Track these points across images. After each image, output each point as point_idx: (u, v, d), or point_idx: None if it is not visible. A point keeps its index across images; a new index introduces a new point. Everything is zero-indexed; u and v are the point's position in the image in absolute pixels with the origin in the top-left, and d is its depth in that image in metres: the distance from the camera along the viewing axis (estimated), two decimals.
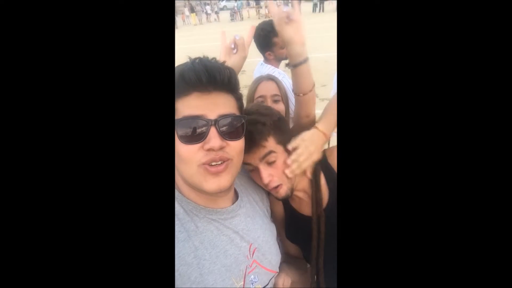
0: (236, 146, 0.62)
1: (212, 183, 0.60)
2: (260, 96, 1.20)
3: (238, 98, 0.67)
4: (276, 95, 1.21)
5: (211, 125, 0.58)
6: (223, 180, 0.61)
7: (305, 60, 0.88)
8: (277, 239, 0.82)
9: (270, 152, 0.75)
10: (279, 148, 0.78)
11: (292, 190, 0.82)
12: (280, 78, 1.56)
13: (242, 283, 0.65)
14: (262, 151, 0.75)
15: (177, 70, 0.60)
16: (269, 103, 1.18)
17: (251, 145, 0.73)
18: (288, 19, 0.83)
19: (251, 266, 0.68)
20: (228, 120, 0.61)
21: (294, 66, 0.89)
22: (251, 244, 0.70)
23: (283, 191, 0.80)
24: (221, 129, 0.59)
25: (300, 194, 0.87)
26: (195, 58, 0.62)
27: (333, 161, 0.86)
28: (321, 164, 0.87)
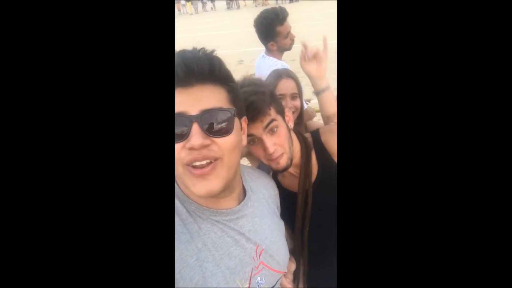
0: (225, 143, 0.56)
1: (199, 187, 0.56)
2: (280, 94, 1.22)
3: (230, 90, 0.60)
4: (295, 93, 1.24)
5: (192, 121, 0.53)
6: (212, 184, 0.56)
7: (325, 89, 1.01)
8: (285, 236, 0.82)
9: (272, 120, 0.77)
10: (279, 117, 0.80)
11: (291, 160, 0.82)
12: None
13: (247, 286, 0.62)
14: (265, 120, 0.76)
15: None
16: (288, 101, 1.22)
17: (254, 115, 0.73)
18: (308, 57, 0.93)
19: (257, 268, 0.65)
20: (213, 114, 0.55)
21: (316, 93, 1.03)
22: (258, 245, 0.67)
23: (283, 161, 0.80)
24: (204, 125, 0.54)
25: (292, 170, 0.88)
26: (179, 51, 0.57)
27: (325, 140, 0.90)
28: (314, 141, 0.89)
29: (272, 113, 0.77)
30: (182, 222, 0.60)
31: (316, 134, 0.93)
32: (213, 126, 0.55)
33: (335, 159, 0.88)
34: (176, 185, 0.64)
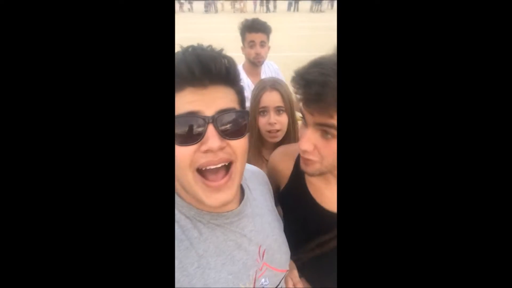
0: (239, 145, 0.54)
1: (214, 199, 0.53)
2: (263, 107, 1.16)
3: (239, 91, 0.58)
4: (279, 106, 1.15)
5: (208, 122, 0.50)
6: (226, 195, 0.54)
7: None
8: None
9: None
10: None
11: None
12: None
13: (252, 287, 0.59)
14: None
15: None
16: (272, 115, 1.15)
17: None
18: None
19: (261, 270, 0.62)
20: (228, 116, 0.53)
21: None
22: (260, 245, 0.64)
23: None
24: (220, 127, 0.51)
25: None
26: (188, 47, 0.53)
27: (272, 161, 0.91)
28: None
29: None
30: (180, 228, 0.56)
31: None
32: (228, 128, 0.53)
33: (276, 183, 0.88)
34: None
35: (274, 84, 1.16)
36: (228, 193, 0.55)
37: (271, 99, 1.14)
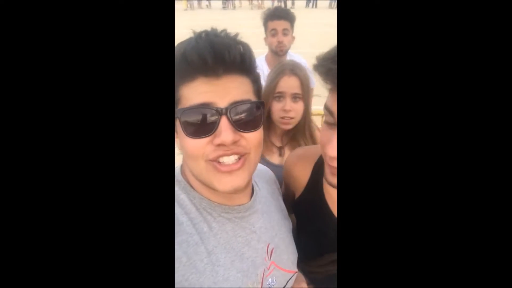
0: (253, 138, 0.52)
1: (225, 184, 0.51)
2: (279, 92, 1.09)
3: (255, 80, 0.55)
4: (297, 93, 1.08)
5: (221, 114, 0.48)
6: (239, 179, 0.52)
7: None
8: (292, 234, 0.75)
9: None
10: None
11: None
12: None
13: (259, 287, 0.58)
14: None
15: (179, 49, 0.49)
16: (288, 102, 1.09)
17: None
18: None
19: (269, 269, 0.61)
20: (243, 107, 0.50)
21: None
22: (269, 244, 0.62)
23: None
24: (234, 119, 0.49)
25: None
26: (201, 32, 0.51)
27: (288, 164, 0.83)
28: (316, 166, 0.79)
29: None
30: (190, 222, 0.54)
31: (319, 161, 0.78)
32: (243, 119, 0.50)
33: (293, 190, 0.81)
34: (184, 181, 0.58)
35: (294, 69, 1.09)
36: (240, 178, 0.52)
37: (289, 84, 1.08)
